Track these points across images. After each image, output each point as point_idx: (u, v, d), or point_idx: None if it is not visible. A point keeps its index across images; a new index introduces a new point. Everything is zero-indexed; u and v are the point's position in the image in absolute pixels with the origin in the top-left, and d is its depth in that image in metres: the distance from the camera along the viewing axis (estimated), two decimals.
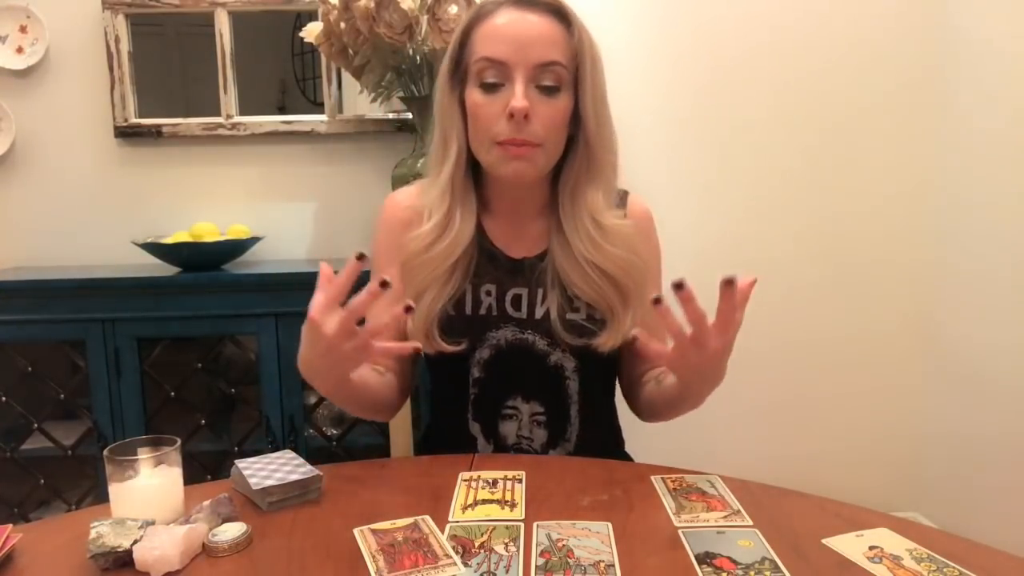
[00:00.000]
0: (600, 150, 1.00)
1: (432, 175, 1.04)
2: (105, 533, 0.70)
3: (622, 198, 1.08)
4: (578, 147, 1.00)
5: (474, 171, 1.04)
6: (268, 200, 2.03)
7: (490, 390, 1.03)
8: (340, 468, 0.94)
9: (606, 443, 1.12)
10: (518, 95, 0.92)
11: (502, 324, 1.01)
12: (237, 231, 1.88)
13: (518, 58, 0.93)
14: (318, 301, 0.81)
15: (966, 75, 1.87)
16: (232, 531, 0.74)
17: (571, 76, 0.96)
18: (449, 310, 1.00)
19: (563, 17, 0.96)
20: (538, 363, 1.02)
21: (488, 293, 1.02)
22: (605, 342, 0.99)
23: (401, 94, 1.74)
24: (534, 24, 0.95)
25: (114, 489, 0.77)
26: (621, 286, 0.98)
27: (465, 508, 0.80)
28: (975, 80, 1.84)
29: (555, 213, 1.03)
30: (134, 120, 1.98)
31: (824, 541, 0.73)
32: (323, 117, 2.00)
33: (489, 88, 0.95)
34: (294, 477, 0.83)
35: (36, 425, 1.76)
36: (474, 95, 0.96)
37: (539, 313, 1.01)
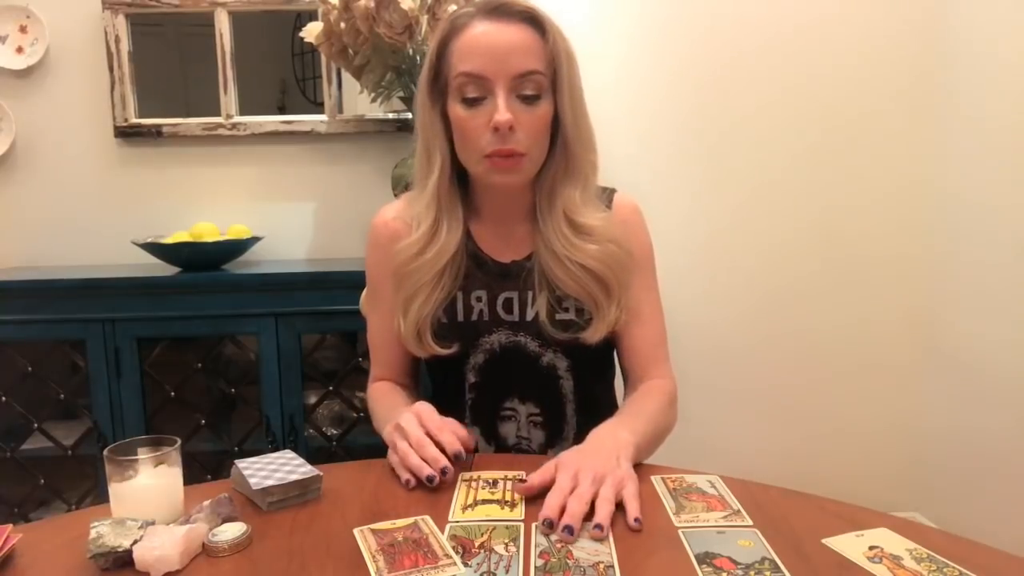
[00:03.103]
0: (579, 149, 1.01)
1: (418, 187, 1.05)
2: (105, 533, 0.70)
3: (609, 196, 1.09)
4: (557, 148, 1.01)
5: (461, 178, 1.05)
6: (268, 200, 2.03)
7: (487, 394, 1.05)
8: (340, 468, 0.94)
9: None
10: (501, 108, 0.93)
11: (495, 328, 1.03)
12: (237, 231, 1.88)
13: (497, 70, 0.94)
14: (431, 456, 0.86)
15: (964, 72, 1.87)
16: (232, 531, 0.74)
17: (549, 82, 0.97)
18: (441, 317, 1.02)
19: (537, 24, 0.97)
20: (531, 365, 1.03)
21: (479, 299, 1.03)
22: (592, 335, 1.00)
23: (401, 94, 1.74)
24: (510, 34, 0.95)
25: (114, 489, 0.77)
26: (602, 278, 1.00)
27: (465, 508, 0.80)
28: (973, 77, 1.84)
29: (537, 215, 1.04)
30: (134, 120, 1.98)
31: (824, 541, 0.73)
32: (323, 117, 2.00)
33: (471, 102, 0.96)
34: (294, 477, 0.83)
35: (36, 425, 1.76)
36: (457, 110, 0.97)
37: (529, 315, 1.03)
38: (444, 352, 1.01)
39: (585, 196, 1.02)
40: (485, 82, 0.94)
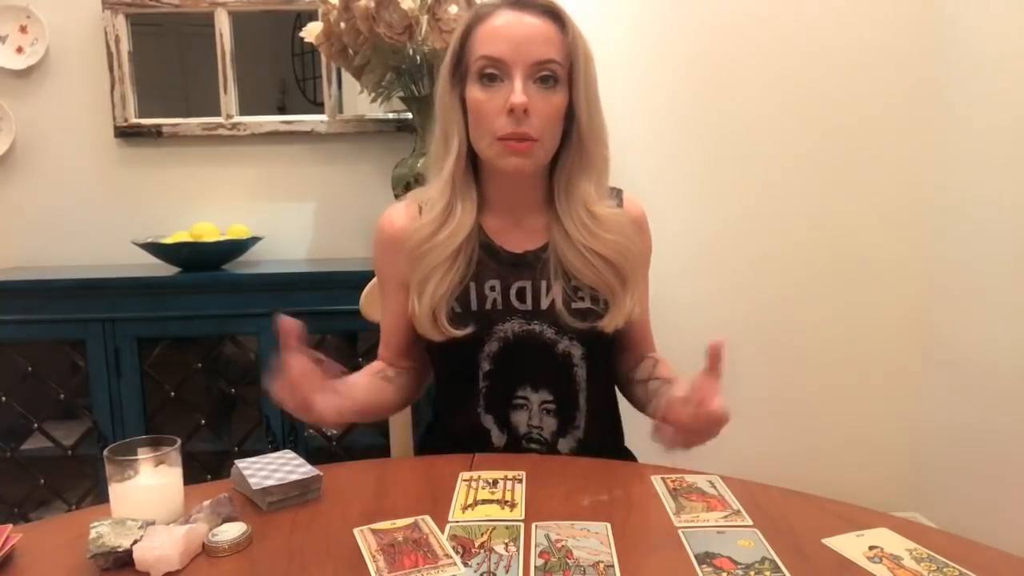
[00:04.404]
0: (592, 144, 1.04)
1: (434, 171, 1.08)
2: (105, 533, 0.70)
3: (618, 195, 1.11)
4: (571, 142, 1.04)
5: (474, 169, 1.07)
6: (268, 200, 2.03)
7: (500, 382, 1.06)
8: (340, 468, 0.94)
9: (612, 432, 1.16)
10: (517, 91, 0.96)
11: (508, 317, 1.04)
12: (237, 231, 1.88)
13: (516, 56, 0.97)
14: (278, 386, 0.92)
15: (964, 74, 1.87)
16: (232, 531, 0.74)
17: (566, 74, 1.00)
18: (455, 307, 1.03)
19: (557, 18, 1.01)
20: (546, 352, 1.04)
21: (492, 288, 1.04)
22: (609, 323, 1.03)
23: (401, 94, 1.74)
24: (531, 25, 0.99)
25: (114, 489, 0.77)
26: (619, 268, 1.03)
27: (465, 508, 0.80)
28: (973, 81, 1.84)
29: (552, 207, 1.07)
30: (134, 120, 1.98)
31: (824, 541, 0.73)
32: (323, 117, 2.00)
33: (489, 85, 0.99)
34: (294, 477, 0.83)
35: (36, 425, 1.76)
36: (474, 92, 1.00)
37: (544, 303, 1.04)
38: (459, 334, 1.02)
39: (599, 191, 1.06)
40: (504, 66, 0.98)
